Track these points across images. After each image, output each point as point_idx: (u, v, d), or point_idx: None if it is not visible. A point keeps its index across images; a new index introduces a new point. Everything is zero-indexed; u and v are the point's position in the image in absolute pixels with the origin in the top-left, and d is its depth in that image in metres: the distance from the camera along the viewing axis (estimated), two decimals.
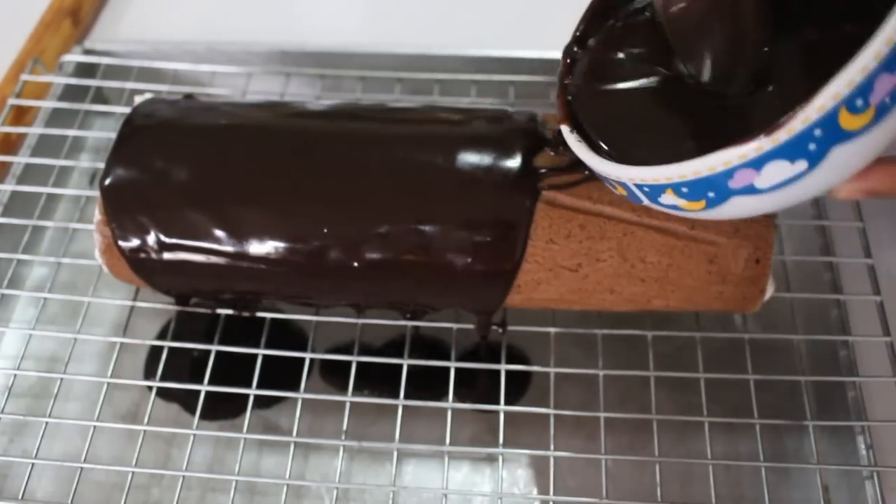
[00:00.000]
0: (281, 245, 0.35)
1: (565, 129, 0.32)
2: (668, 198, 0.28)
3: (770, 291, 0.36)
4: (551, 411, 0.37)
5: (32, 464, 0.36)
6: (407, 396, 0.37)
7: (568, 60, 0.34)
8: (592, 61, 0.33)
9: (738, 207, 0.27)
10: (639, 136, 0.31)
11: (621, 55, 0.33)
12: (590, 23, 0.34)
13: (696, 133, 0.29)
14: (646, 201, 0.29)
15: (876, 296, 0.39)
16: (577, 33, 0.34)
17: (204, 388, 0.38)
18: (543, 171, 0.34)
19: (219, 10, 0.56)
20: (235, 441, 0.37)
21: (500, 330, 0.39)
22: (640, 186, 0.28)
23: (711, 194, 0.27)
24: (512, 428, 0.38)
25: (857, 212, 0.41)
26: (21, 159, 0.47)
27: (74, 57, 0.51)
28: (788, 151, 0.24)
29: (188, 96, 0.42)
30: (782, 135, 0.24)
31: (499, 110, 0.38)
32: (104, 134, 0.47)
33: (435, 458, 0.40)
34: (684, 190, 0.27)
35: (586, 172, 0.33)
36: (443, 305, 0.38)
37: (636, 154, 0.30)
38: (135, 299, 0.41)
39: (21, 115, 0.49)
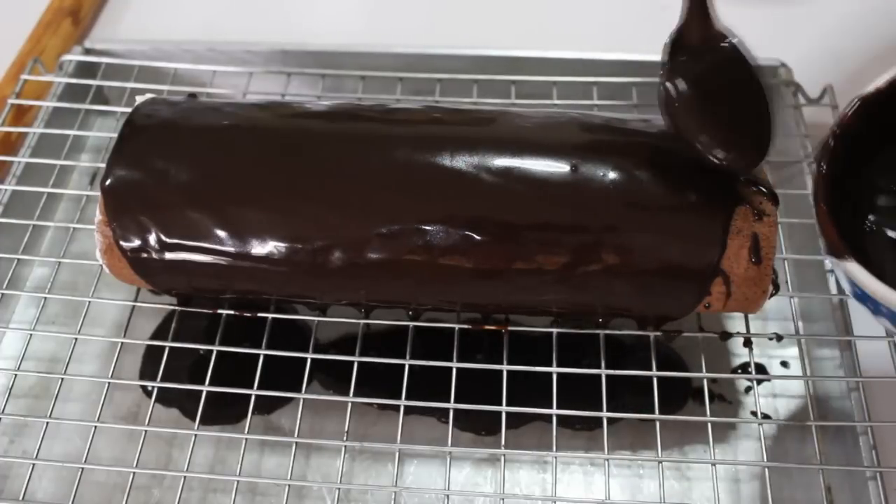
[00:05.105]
0: (282, 245, 0.34)
1: (851, 265, 0.29)
2: None
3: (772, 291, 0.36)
4: (553, 411, 0.36)
5: (33, 464, 0.36)
6: (411, 397, 0.37)
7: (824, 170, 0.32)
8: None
9: None
10: None
11: None
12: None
13: None
14: None
15: None
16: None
17: (205, 388, 0.37)
18: None
19: (219, 10, 0.56)
20: (237, 441, 0.37)
21: (503, 330, 0.39)
22: None
23: None
24: (514, 428, 0.38)
25: None
26: (21, 159, 0.46)
27: (74, 57, 0.51)
28: None
29: (192, 95, 0.42)
30: None
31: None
32: (104, 134, 0.47)
33: (437, 458, 0.40)
34: None
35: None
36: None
37: None
38: (135, 300, 0.41)
39: (21, 115, 0.48)
